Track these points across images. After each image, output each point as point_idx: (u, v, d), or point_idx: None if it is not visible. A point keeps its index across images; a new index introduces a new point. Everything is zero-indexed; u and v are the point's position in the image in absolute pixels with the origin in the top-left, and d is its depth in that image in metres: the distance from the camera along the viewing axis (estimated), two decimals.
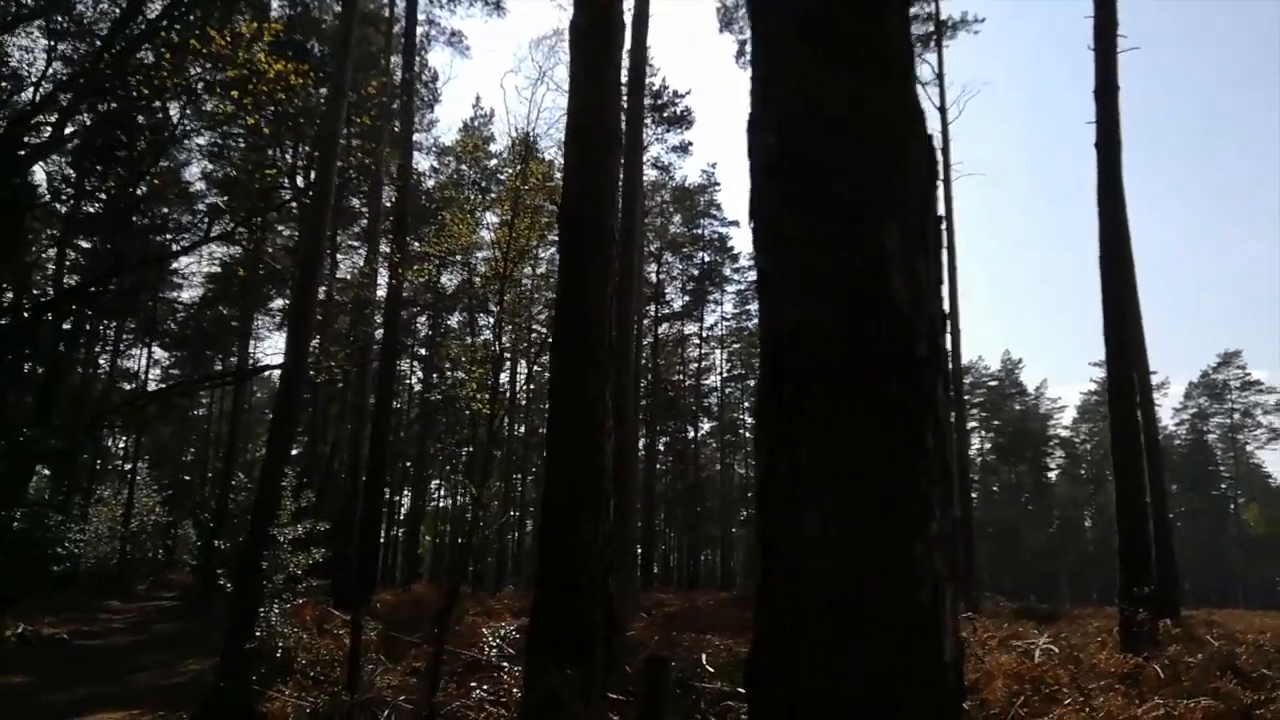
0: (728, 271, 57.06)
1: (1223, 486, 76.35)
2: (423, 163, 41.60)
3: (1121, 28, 12.36)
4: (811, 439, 1.65)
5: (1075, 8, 30.07)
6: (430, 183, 40.22)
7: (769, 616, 1.66)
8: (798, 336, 1.73)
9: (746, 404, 62.25)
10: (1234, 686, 7.83)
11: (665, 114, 46.50)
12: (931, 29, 28.12)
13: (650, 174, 47.79)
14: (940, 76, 27.95)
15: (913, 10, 28.27)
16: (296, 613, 13.81)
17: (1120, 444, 11.31)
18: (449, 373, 44.75)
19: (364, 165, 25.89)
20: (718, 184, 55.33)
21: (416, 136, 40.19)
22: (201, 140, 29.43)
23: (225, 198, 28.41)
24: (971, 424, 70.04)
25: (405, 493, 53.93)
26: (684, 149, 47.48)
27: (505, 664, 7.57)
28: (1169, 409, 78.28)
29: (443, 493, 60.55)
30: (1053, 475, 74.35)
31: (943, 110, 27.47)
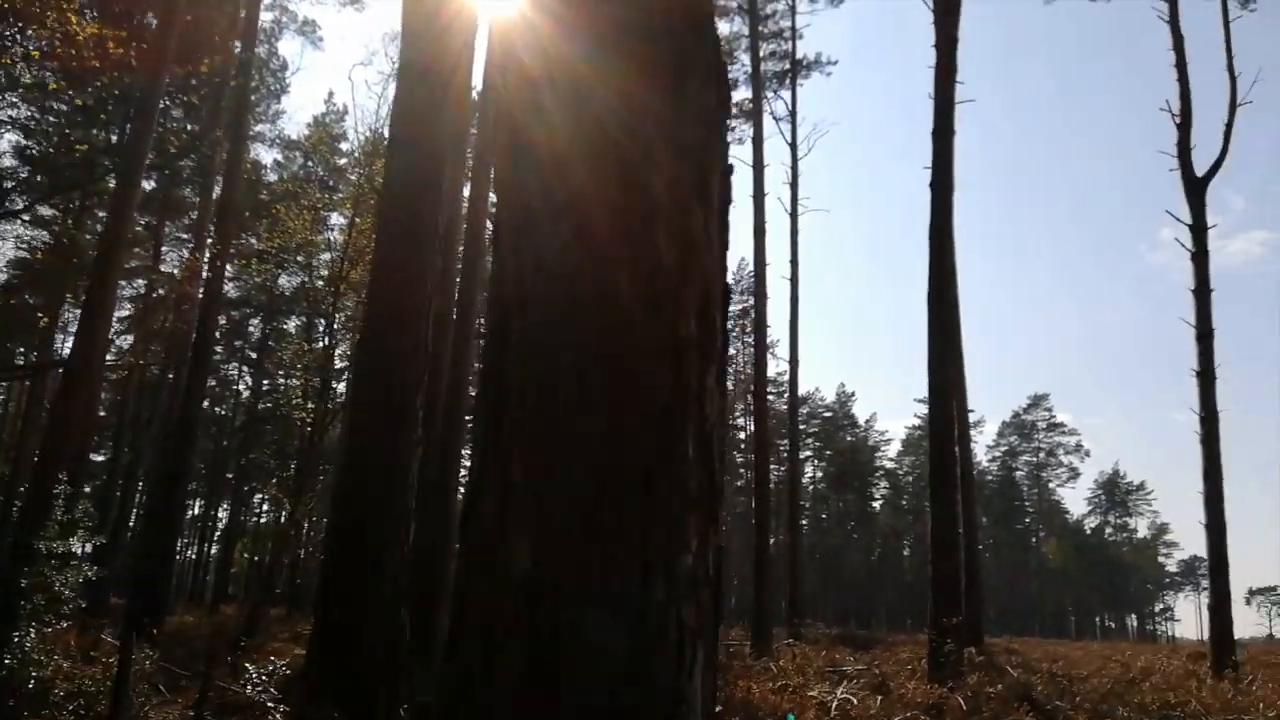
0: None
1: (1026, 521, 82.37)
2: (267, 155, 39.13)
3: (965, 78, 12.94)
4: (531, 444, 1.20)
5: (926, 55, 31.75)
6: (273, 177, 37.89)
7: (458, 680, 1.20)
8: (529, 299, 1.29)
9: None
10: (1029, 718, 7.99)
11: None
12: (787, 66, 28.99)
13: None
14: (793, 113, 28.79)
15: (770, 48, 29.15)
16: (60, 638, 12.26)
17: (937, 477, 11.63)
18: (281, 380, 42.28)
19: (190, 145, 24.00)
20: None
21: (260, 127, 37.84)
22: (15, 112, 26.49)
23: (37, 175, 25.65)
24: (806, 453, 72.63)
25: (225, 506, 50.38)
26: None
27: (274, 705, 6.71)
28: (984, 446, 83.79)
29: (265, 508, 57.03)
30: (877, 505, 78.01)
31: (793, 146, 28.27)
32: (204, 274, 21.77)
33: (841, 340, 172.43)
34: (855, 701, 9.56)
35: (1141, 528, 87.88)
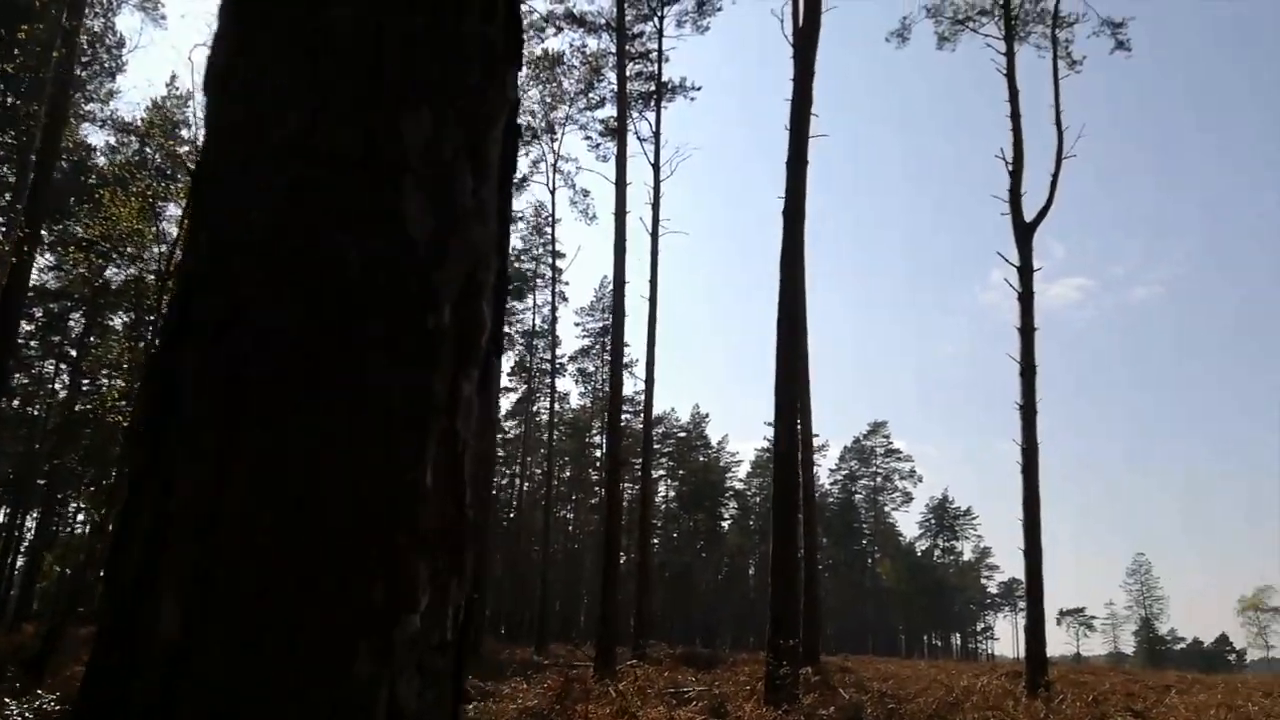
0: None
1: (864, 542, 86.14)
2: (98, 137, 36.20)
3: (822, 112, 13.28)
4: (197, 465, 0.88)
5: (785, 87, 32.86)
6: (103, 160, 35.01)
7: None
8: (225, 271, 0.97)
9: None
10: None
11: None
12: (653, 88, 29.29)
13: None
14: (657, 135, 29.09)
15: (637, 68, 29.32)
16: None
17: (780, 501, 11.77)
18: (104, 380, 38.98)
19: (6, 119, 21.85)
20: None
21: (90, 107, 35.03)
22: None
23: None
24: (660, 472, 73.37)
25: (34, 514, 45.87)
26: None
27: None
28: (826, 469, 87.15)
29: (80, 518, 52.42)
30: (725, 524, 79.66)
31: (656, 167, 28.53)
32: (9, 260, 19.75)
33: (698, 362, 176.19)
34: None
35: (967, 551, 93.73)
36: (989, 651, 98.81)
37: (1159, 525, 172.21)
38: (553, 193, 39.33)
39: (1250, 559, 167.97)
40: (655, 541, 74.32)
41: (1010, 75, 19.87)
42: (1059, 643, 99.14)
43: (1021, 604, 62.57)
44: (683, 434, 75.98)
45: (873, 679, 20.01)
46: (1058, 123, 19.64)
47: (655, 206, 28.06)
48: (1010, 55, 20.05)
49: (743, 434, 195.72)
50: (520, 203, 48.98)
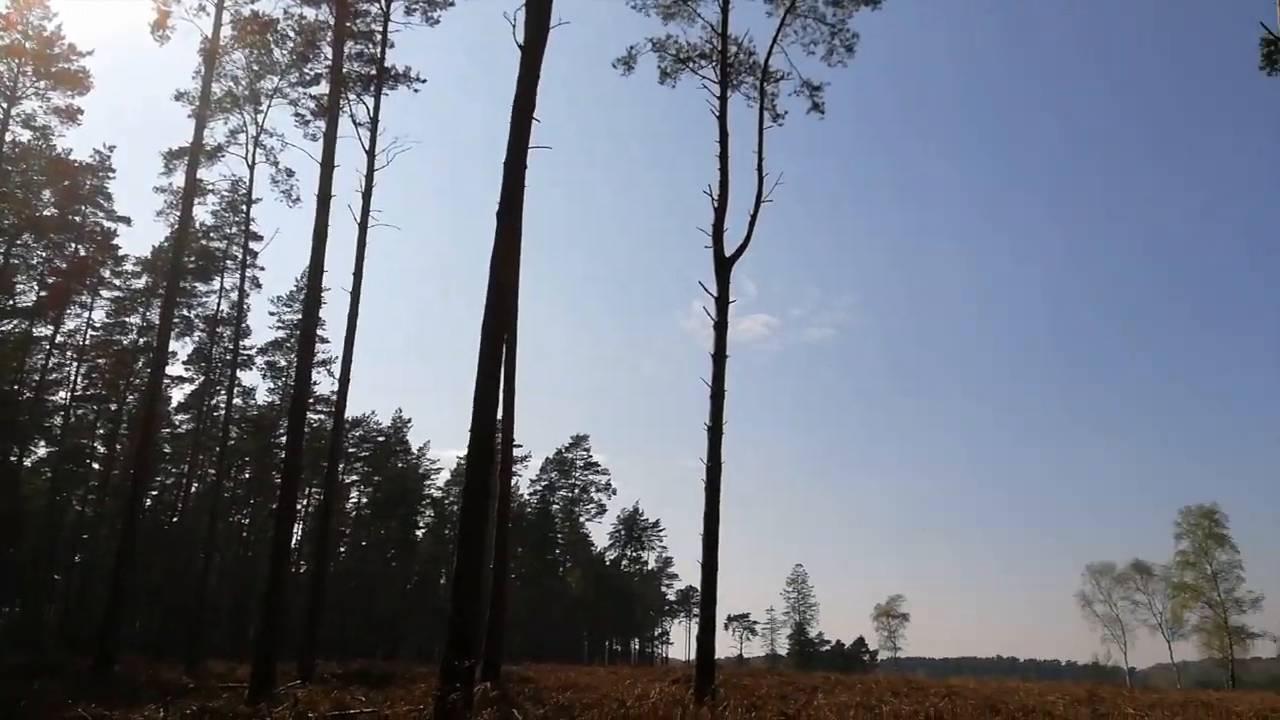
0: (107, 273, 48.74)
1: (557, 551, 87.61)
2: None
3: (552, 126, 13.07)
4: None
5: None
6: None
7: None
8: None
9: (101, 429, 52.97)
10: None
11: (54, 69, 38.37)
12: (373, 72, 27.73)
13: (21, 134, 38.79)
14: (374, 121, 27.60)
15: (358, 48, 27.61)
16: None
17: (470, 509, 11.28)
18: None
19: None
20: (113, 170, 47.21)
21: None
22: None
23: None
24: (353, 477, 69.61)
25: None
26: (72, 116, 39.52)
27: None
28: (528, 479, 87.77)
29: None
30: (420, 533, 77.34)
31: (371, 154, 27.00)
32: None
33: (404, 365, 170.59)
34: None
35: (651, 560, 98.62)
36: (664, 655, 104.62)
37: (818, 538, 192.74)
38: (252, 168, 35.98)
39: (886, 571, 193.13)
40: (342, 550, 70.30)
41: (722, 118, 21.01)
42: (725, 646, 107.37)
43: (696, 611, 66.67)
44: (381, 438, 72.79)
45: (553, 689, 20.04)
46: (759, 169, 21.10)
47: (366, 195, 26.53)
48: (723, 100, 21.22)
49: (446, 441, 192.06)
50: (212, 174, 44.37)
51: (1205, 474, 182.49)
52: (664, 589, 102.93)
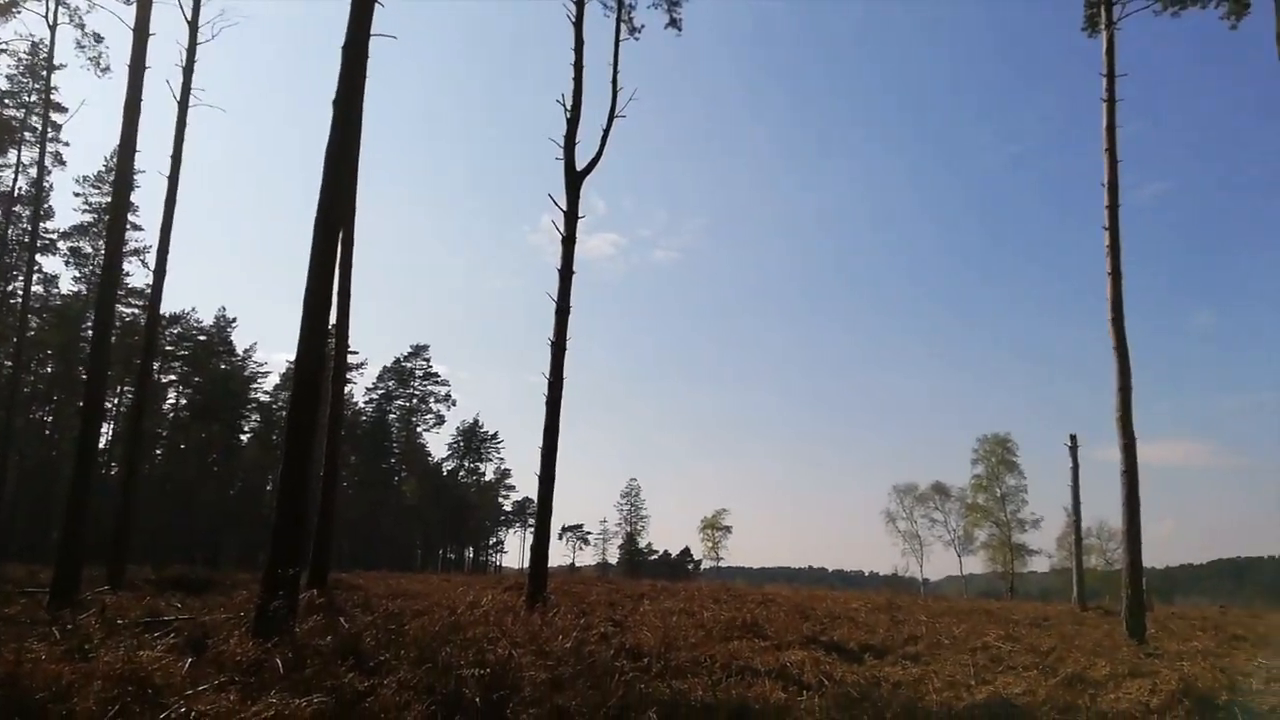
0: None
1: (392, 461, 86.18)
2: None
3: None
4: None
5: None
6: None
7: None
8: None
9: None
10: (351, 677, 7.67)
11: None
12: None
13: None
14: None
15: None
16: None
17: (297, 416, 10.76)
18: None
19: None
20: None
21: None
22: None
23: None
24: (171, 377, 65.32)
25: None
26: None
27: None
28: (363, 387, 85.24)
29: None
30: (245, 439, 73.94)
31: (194, 26, 24.44)
32: None
33: (232, 261, 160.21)
34: (161, 663, 8.23)
35: (489, 472, 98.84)
36: (498, 564, 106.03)
37: (654, 454, 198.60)
38: (53, 28, 31.97)
39: (714, 485, 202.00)
40: (159, 453, 66.22)
41: (578, 25, 20.23)
42: (559, 555, 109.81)
43: (532, 522, 67.68)
44: (203, 337, 68.40)
45: (383, 596, 19.87)
46: (614, 82, 20.64)
47: (188, 71, 24.15)
48: (580, 5, 20.43)
49: (275, 344, 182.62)
50: (7, 31, 39.15)
51: (1003, 407, 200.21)
52: (501, 500, 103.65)
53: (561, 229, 19.51)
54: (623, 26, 21.82)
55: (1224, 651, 15.27)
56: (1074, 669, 11.76)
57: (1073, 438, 33.50)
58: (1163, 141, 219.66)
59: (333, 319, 15.07)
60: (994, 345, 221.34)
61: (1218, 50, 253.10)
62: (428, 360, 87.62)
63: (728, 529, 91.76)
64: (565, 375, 18.88)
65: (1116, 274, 19.03)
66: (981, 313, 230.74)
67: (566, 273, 19.26)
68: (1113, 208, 19.30)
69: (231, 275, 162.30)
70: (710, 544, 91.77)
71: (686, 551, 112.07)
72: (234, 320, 71.39)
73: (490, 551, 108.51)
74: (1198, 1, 20.52)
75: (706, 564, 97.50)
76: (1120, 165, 19.48)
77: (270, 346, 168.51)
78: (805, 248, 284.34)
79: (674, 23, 22.89)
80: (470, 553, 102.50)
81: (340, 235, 13.00)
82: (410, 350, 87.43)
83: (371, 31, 11.95)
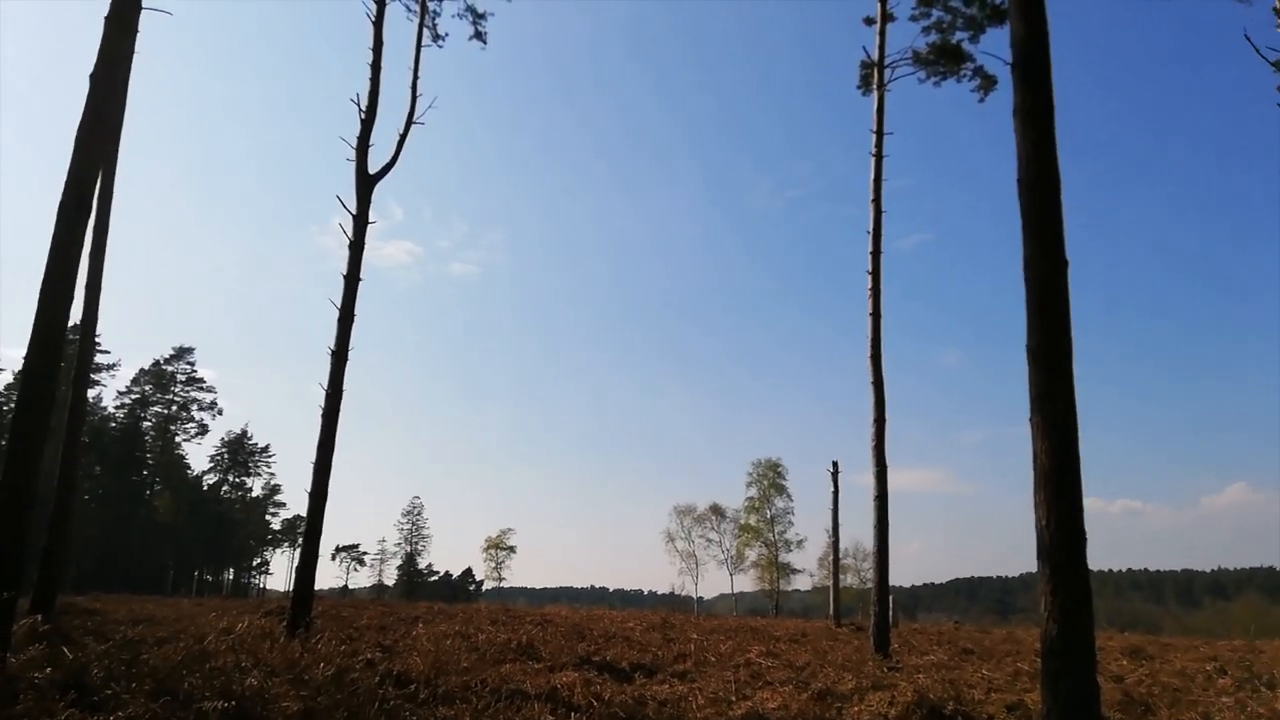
0: None
1: (145, 472, 78.46)
2: None
3: None
4: None
5: None
6: None
7: None
8: None
9: None
10: (70, 713, 6.85)
11: None
12: None
13: None
14: None
15: None
16: None
17: (23, 420, 9.49)
18: None
19: None
20: None
21: None
22: None
23: None
24: None
25: None
26: None
27: None
28: (115, 390, 77.20)
29: None
30: None
31: None
32: None
33: None
34: None
35: (257, 487, 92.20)
36: (262, 586, 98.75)
37: (439, 472, 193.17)
38: None
39: (499, 504, 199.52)
40: None
41: (378, 25, 19.49)
42: (331, 577, 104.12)
43: (301, 541, 63.53)
44: None
45: (123, 622, 17.98)
46: (414, 87, 20.10)
47: None
48: (381, 5, 19.76)
49: (7, 338, 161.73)
50: None
51: (772, 433, 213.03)
52: (269, 518, 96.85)
53: (350, 233, 18.68)
54: (426, 32, 21.37)
55: (955, 664, 16.82)
56: (824, 683, 12.54)
57: (835, 464, 36.03)
58: (920, 195, 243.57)
59: (78, 314, 13.51)
60: (767, 377, 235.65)
61: (977, 113, 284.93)
62: (192, 364, 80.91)
63: (512, 549, 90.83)
64: (345, 386, 18.01)
65: (877, 314, 20.74)
66: (756, 347, 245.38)
67: (353, 279, 18.43)
68: (875, 254, 21.07)
69: None
70: (494, 564, 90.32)
71: (469, 572, 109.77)
72: None
73: (254, 573, 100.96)
74: (953, 75, 22.95)
75: (489, 585, 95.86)
76: (885, 215, 21.33)
77: (2, 340, 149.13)
78: (587, 274, 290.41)
79: (479, 35, 22.69)
80: (230, 575, 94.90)
81: (90, 220, 11.66)
82: (172, 352, 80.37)
83: (143, 4, 10.97)
